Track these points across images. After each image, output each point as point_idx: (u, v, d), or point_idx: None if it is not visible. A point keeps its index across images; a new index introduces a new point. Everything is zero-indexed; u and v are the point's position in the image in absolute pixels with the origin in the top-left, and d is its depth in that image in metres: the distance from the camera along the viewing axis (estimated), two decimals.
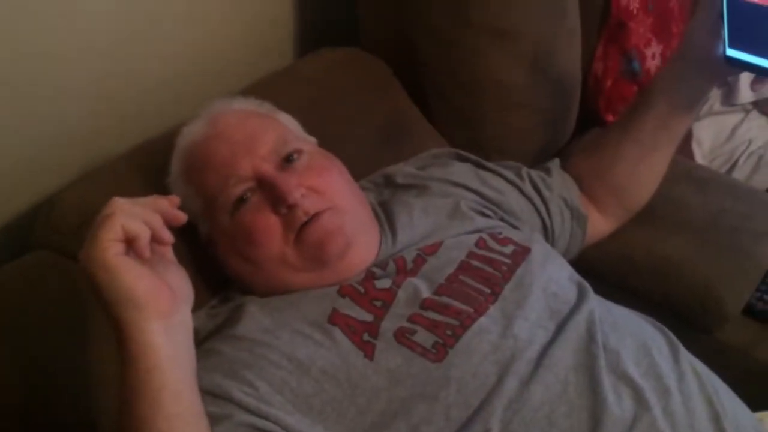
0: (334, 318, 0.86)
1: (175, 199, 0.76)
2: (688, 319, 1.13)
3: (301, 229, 0.89)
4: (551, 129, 1.33)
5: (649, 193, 1.14)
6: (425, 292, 0.89)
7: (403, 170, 1.13)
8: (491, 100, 1.25)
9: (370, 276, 0.92)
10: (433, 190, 1.07)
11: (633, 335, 0.88)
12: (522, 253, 0.96)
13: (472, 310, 0.87)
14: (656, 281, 1.16)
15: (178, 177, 0.97)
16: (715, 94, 1.55)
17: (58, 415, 0.86)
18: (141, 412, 0.70)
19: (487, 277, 0.92)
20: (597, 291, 0.94)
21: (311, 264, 0.91)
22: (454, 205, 1.03)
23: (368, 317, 0.86)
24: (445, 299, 0.88)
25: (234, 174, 0.91)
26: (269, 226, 0.90)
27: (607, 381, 0.81)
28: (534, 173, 1.14)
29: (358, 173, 1.04)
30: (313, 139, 1.03)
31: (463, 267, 0.93)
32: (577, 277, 0.97)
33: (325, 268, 0.91)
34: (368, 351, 0.83)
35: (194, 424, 0.73)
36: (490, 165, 1.14)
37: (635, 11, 1.37)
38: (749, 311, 1.15)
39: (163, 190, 0.96)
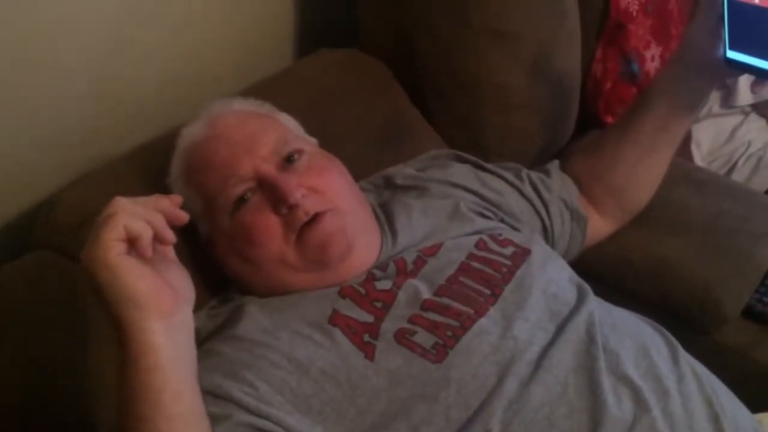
0: (335, 319, 0.86)
1: (177, 199, 0.76)
2: (686, 321, 1.13)
3: (301, 230, 0.89)
4: (551, 130, 1.33)
5: (649, 195, 1.14)
6: (425, 294, 0.89)
7: (402, 172, 1.13)
8: (491, 101, 1.25)
9: (370, 277, 0.92)
10: (432, 191, 1.07)
11: (632, 336, 0.88)
12: (522, 254, 0.96)
13: (472, 311, 0.87)
14: (655, 282, 1.16)
15: (179, 177, 0.97)
16: (714, 96, 1.55)
17: (58, 415, 0.86)
18: (142, 413, 0.70)
19: (487, 278, 0.92)
20: (596, 292, 0.94)
21: (312, 265, 0.91)
22: (454, 206, 1.03)
23: (369, 318, 0.87)
24: (445, 300, 0.88)
25: (234, 174, 0.91)
26: (269, 226, 0.90)
27: (606, 382, 0.81)
28: (534, 175, 1.14)
29: (357, 174, 1.04)
30: (313, 140, 1.03)
31: (463, 268, 0.93)
32: (576, 278, 0.97)
33: (326, 270, 0.91)
34: (368, 352, 0.83)
35: (195, 424, 0.73)
36: (489, 166, 1.14)
37: (634, 13, 1.37)
38: (749, 313, 1.15)
39: (164, 191, 0.95)
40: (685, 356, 0.89)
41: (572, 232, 1.13)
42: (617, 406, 0.80)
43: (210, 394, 0.79)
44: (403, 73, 1.28)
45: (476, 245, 0.97)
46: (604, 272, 1.15)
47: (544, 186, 1.12)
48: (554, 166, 1.18)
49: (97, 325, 0.87)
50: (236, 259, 0.93)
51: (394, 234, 0.98)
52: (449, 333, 0.84)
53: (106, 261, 0.70)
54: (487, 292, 0.90)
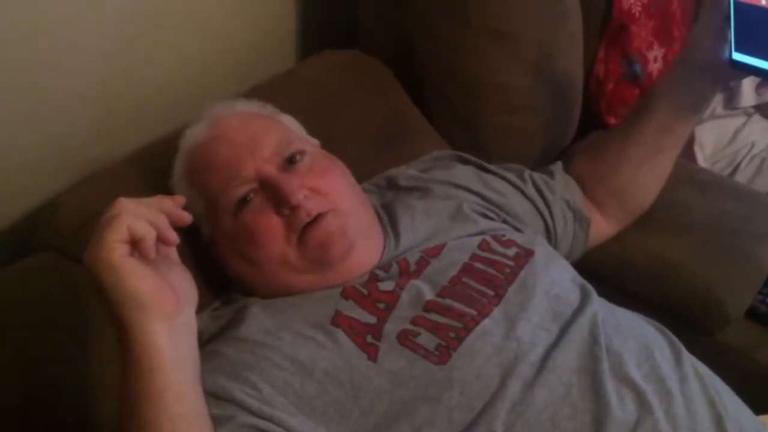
0: (337, 320, 0.86)
1: (180, 199, 0.76)
2: (689, 322, 1.13)
3: (303, 231, 0.89)
4: (553, 131, 1.32)
5: (652, 196, 1.14)
6: (428, 295, 0.89)
7: (405, 173, 1.13)
8: (491, 101, 1.25)
9: (373, 278, 0.92)
10: (435, 192, 1.07)
11: (635, 338, 0.88)
12: (525, 255, 0.96)
13: (475, 313, 0.87)
14: (657, 283, 1.15)
15: (181, 179, 0.97)
16: (717, 98, 1.54)
17: (58, 415, 0.86)
18: (144, 413, 0.70)
19: (490, 279, 0.92)
20: (599, 293, 0.94)
21: (313, 265, 0.90)
22: (457, 207, 1.03)
23: (371, 319, 0.86)
24: (448, 301, 0.88)
25: (237, 175, 0.91)
26: (271, 227, 0.89)
27: (610, 384, 0.81)
28: (537, 176, 1.14)
29: (359, 174, 1.04)
30: (315, 141, 1.03)
31: (466, 269, 0.93)
32: (580, 279, 0.97)
33: (328, 270, 0.91)
34: (371, 353, 0.83)
35: (197, 425, 0.73)
36: (492, 167, 1.14)
37: (637, 14, 1.37)
38: (752, 314, 1.15)
39: (166, 192, 0.95)
40: (688, 357, 0.89)
41: (575, 234, 1.13)
42: (620, 407, 0.80)
43: (212, 395, 0.78)
44: (403, 73, 1.28)
45: (479, 246, 0.97)
46: (607, 273, 1.15)
47: (547, 187, 1.12)
48: (557, 167, 1.17)
49: (98, 326, 0.87)
50: (238, 260, 0.93)
51: (396, 235, 0.98)
52: (452, 334, 0.84)
53: (110, 262, 0.70)
54: (490, 293, 0.90)
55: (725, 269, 1.14)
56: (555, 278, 0.94)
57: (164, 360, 0.71)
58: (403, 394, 0.80)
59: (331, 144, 1.03)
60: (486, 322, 0.86)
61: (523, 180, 1.13)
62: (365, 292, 0.89)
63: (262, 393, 0.80)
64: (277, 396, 0.80)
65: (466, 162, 1.16)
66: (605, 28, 1.38)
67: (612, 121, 1.41)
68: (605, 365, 0.83)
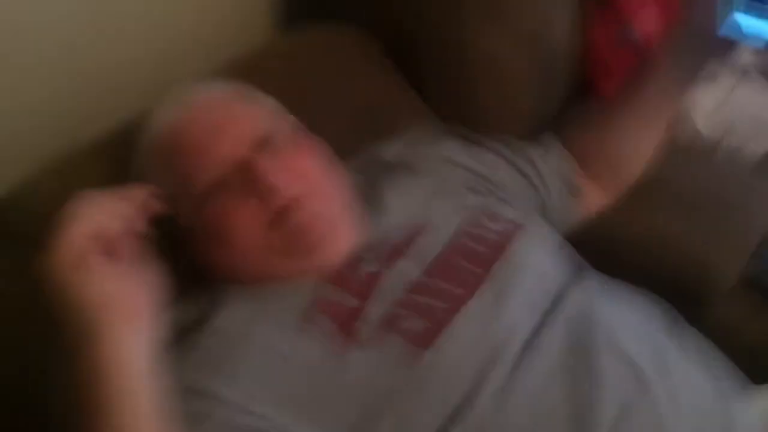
0: (318, 305, 0.84)
1: (149, 188, 0.75)
2: (683, 294, 1.10)
3: (280, 214, 0.87)
4: (545, 102, 1.31)
5: (644, 164, 1.12)
6: (413, 274, 0.87)
7: (390, 148, 1.11)
8: (482, 73, 1.23)
9: (355, 259, 0.89)
10: (421, 167, 1.05)
11: (629, 312, 0.88)
12: (514, 230, 0.94)
13: (461, 291, 0.85)
14: (649, 256, 1.15)
15: (150, 163, 0.94)
16: (712, 60, 1.52)
17: (57, 415, 0.84)
18: (106, 421, 0.69)
19: (478, 255, 0.90)
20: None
21: (291, 249, 0.88)
22: (444, 182, 1.02)
23: (354, 302, 0.85)
24: (434, 281, 0.87)
25: (209, 158, 0.88)
26: (247, 210, 0.86)
27: (604, 360, 0.80)
28: (528, 147, 1.12)
29: (343, 153, 1.01)
30: (293, 120, 0.99)
31: (453, 246, 0.91)
32: (571, 253, 0.96)
33: (306, 254, 0.88)
34: (354, 337, 0.81)
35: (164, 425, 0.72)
36: (482, 140, 1.12)
37: None
38: (753, 285, 1.15)
39: (134, 179, 0.92)
40: (683, 330, 0.89)
41: (568, 206, 1.11)
42: (615, 384, 0.79)
43: (190, 390, 0.77)
44: (391, 48, 1.25)
45: (467, 222, 0.95)
46: (598, 248, 1.12)
47: (540, 159, 1.11)
48: (550, 139, 1.16)
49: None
50: (213, 246, 0.90)
51: (380, 213, 0.96)
52: (438, 316, 0.83)
53: (74, 262, 0.68)
54: (478, 270, 0.88)
55: (716, 240, 1.14)
56: (546, 253, 0.93)
57: (125, 364, 0.70)
58: (387, 377, 0.79)
59: (313, 122, 0.99)
60: (472, 302, 0.84)
61: (515, 152, 1.11)
62: (346, 274, 0.87)
63: (241, 386, 0.78)
64: (257, 388, 0.78)
65: (454, 135, 1.14)
66: None
67: (605, 88, 1.39)
68: (599, 341, 0.82)
